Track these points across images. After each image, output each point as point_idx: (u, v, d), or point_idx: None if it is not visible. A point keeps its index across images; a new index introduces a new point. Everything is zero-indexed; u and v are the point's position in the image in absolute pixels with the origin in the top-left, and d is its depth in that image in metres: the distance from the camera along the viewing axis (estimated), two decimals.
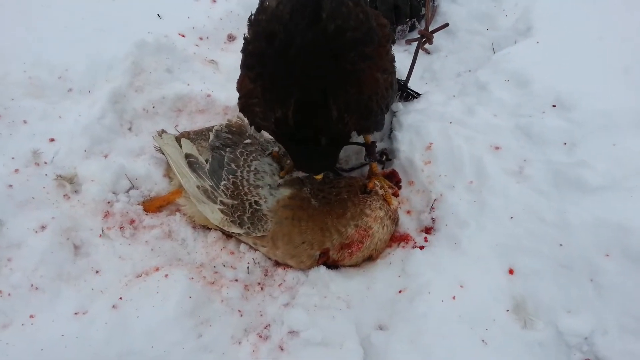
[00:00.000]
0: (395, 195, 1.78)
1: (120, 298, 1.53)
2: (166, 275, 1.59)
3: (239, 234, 1.70)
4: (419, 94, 2.07)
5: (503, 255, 1.63)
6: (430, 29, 2.18)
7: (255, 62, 1.46)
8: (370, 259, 1.73)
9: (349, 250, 1.66)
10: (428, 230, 1.75)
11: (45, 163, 1.83)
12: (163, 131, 1.93)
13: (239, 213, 1.67)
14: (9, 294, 1.51)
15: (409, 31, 2.47)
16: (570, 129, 1.76)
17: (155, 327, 1.47)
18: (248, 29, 1.52)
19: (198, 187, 1.73)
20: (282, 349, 1.48)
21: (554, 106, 1.82)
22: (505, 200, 1.70)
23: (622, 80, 1.85)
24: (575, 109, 1.78)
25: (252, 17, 1.51)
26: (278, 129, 1.46)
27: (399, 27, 2.39)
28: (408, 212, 1.82)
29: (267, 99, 1.44)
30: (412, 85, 2.13)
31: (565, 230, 1.60)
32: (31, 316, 1.49)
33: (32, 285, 1.53)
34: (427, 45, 2.24)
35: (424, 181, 1.82)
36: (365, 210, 1.67)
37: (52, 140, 1.90)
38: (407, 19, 2.39)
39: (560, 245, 1.59)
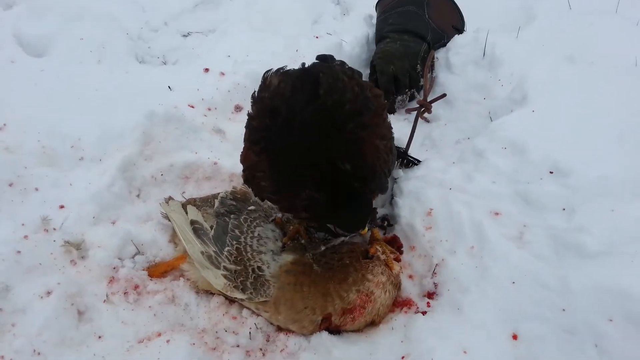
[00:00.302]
0: (397, 260, 1.80)
1: None
2: (168, 341, 1.59)
3: (242, 299, 1.71)
4: (419, 161, 2.12)
5: (506, 320, 1.62)
6: (429, 98, 2.27)
7: (260, 137, 1.53)
8: (373, 324, 1.73)
9: (351, 316, 1.66)
10: (430, 295, 1.76)
11: (54, 229, 1.87)
12: (170, 198, 1.98)
13: (241, 278, 1.69)
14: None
15: (409, 101, 2.55)
16: (568, 195, 1.79)
17: None
18: (252, 105, 1.60)
19: (202, 252, 1.76)
20: None
21: (551, 173, 1.85)
22: (507, 265, 1.71)
23: (617, 147, 1.89)
24: (572, 176, 1.82)
25: (256, 94, 1.60)
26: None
27: (399, 97, 2.47)
28: (410, 276, 1.83)
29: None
30: (412, 152, 2.19)
31: (567, 295, 1.60)
32: None
33: (34, 350, 1.53)
34: (426, 115, 2.31)
35: (426, 246, 1.84)
36: (367, 275, 1.68)
37: (62, 207, 1.94)
38: (407, 90, 2.47)
39: (563, 310, 1.58)
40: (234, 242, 1.74)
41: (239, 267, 1.70)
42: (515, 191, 1.86)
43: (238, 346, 1.66)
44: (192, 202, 1.94)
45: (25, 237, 1.81)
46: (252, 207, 1.87)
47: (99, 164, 2.10)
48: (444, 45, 2.64)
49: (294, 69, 1.59)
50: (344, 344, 1.65)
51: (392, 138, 1.72)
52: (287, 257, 1.74)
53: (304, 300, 1.65)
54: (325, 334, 1.66)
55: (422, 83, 2.46)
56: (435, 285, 1.76)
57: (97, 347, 1.60)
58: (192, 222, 1.82)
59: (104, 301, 1.72)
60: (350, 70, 1.62)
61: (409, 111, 2.32)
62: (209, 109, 2.42)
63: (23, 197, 1.94)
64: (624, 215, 1.71)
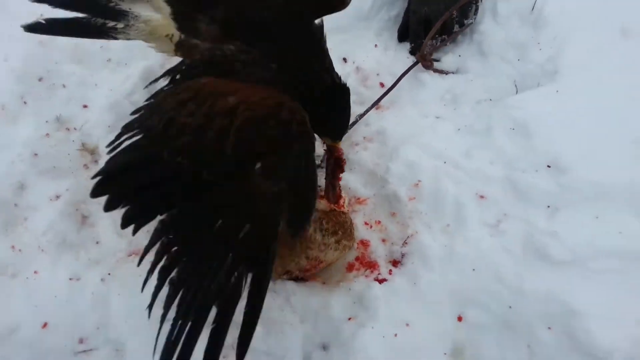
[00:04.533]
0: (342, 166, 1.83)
1: (109, 274, 1.77)
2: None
3: None
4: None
5: (456, 302, 1.73)
6: (461, 49, 2.20)
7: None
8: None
9: (310, 272, 1.82)
10: (395, 263, 1.86)
11: (75, 129, 2.05)
12: None
13: None
14: (19, 250, 1.78)
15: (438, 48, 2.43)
16: (557, 193, 1.80)
17: (132, 308, 1.69)
18: None
19: None
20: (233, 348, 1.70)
21: (548, 167, 1.84)
22: (474, 251, 1.78)
23: (627, 155, 1.83)
24: (568, 174, 1.80)
25: None
26: None
27: (430, 42, 2.35)
28: (383, 240, 1.93)
29: None
30: (430, 106, 2.20)
31: (517, 294, 1.68)
32: (35, 272, 1.76)
33: (39, 247, 1.79)
34: (441, 66, 2.29)
35: (405, 215, 1.92)
36: (310, 245, 1.77)
37: (85, 106, 2.11)
38: (437, 35, 2.35)
39: (510, 307, 1.68)
40: None
41: None
42: (508, 177, 1.88)
43: None
44: None
45: (47, 134, 2.00)
46: None
47: (124, 69, 2.22)
48: None
49: None
50: (304, 295, 1.80)
51: None
52: None
53: None
54: (289, 282, 1.82)
55: (455, 29, 2.35)
56: (403, 255, 1.86)
57: (93, 252, 1.84)
58: None
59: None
60: None
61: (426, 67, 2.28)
62: None
63: (50, 93, 2.11)
64: (604, 226, 1.72)
